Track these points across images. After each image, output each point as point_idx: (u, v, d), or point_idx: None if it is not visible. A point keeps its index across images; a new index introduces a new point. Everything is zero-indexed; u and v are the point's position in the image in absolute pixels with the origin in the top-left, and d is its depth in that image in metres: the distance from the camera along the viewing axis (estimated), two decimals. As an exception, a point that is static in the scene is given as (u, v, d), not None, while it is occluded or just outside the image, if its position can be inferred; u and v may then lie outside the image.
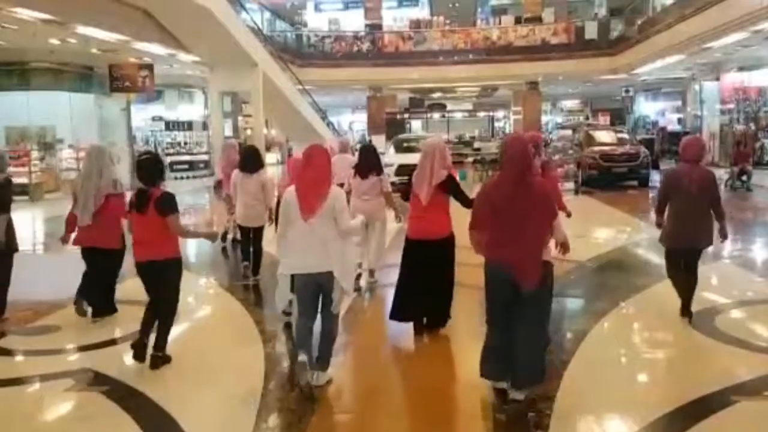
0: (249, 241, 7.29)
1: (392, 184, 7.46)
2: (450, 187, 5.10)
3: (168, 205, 4.54)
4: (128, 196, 5.56)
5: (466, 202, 5.00)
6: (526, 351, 3.85)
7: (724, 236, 5.37)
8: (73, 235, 5.63)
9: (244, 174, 7.13)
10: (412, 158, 15.32)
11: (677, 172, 5.43)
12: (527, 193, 3.82)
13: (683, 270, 5.42)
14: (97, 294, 5.71)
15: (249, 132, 25.71)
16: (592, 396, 4.08)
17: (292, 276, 4.37)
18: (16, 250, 5.93)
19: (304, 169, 4.25)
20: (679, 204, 5.27)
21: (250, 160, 7.22)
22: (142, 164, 4.74)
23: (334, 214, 4.10)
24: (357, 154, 7.04)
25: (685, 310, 5.38)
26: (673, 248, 5.43)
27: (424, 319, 5.30)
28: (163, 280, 4.63)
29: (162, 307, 4.70)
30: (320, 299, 4.22)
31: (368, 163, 6.70)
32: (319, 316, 4.28)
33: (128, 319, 5.75)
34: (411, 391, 4.37)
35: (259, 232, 7.26)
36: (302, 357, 4.10)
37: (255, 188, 7.06)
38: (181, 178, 22.51)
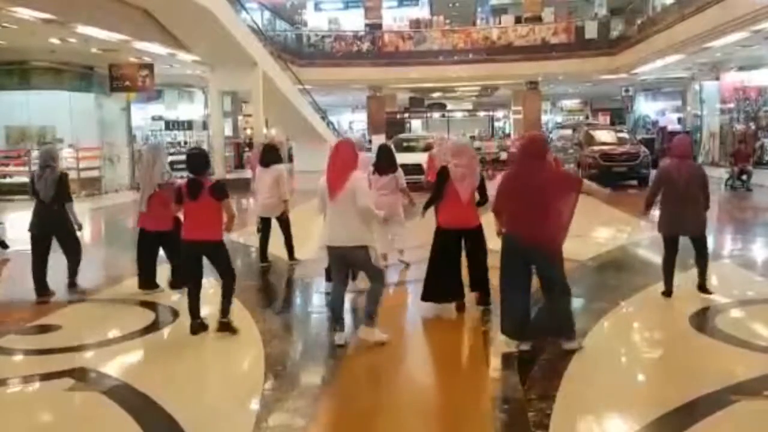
0: (268, 232, 7.94)
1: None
2: (481, 184, 5.74)
3: (223, 191, 5.28)
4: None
5: (484, 198, 5.75)
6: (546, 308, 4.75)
7: (706, 207, 6.03)
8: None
9: (261, 169, 7.88)
10: (412, 158, 15.42)
11: (669, 168, 6.06)
12: (543, 179, 4.61)
13: (694, 254, 6.11)
14: (150, 268, 6.60)
15: (249, 131, 25.70)
16: (592, 396, 4.08)
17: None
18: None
19: (332, 157, 4.92)
20: (671, 195, 5.89)
21: (266, 155, 7.95)
22: (193, 157, 5.47)
23: (354, 194, 4.70)
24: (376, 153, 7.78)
25: (701, 288, 6.07)
26: (668, 235, 6.03)
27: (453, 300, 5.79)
28: (217, 258, 5.31)
29: (224, 279, 5.34)
30: (349, 270, 5.09)
31: (387, 161, 7.39)
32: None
33: (128, 319, 5.77)
34: (412, 390, 4.37)
35: (281, 220, 7.87)
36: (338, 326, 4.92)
37: (270, 181, 7.71)
38: (182, 177, 22.49)
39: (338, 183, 4.76)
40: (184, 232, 5.28)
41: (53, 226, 6.53)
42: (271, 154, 7.96)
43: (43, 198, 6.42)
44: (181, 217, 5.46)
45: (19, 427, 3.80)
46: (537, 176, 4.62)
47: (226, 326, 5.18)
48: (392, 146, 8.46)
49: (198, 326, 5.22)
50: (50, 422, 3.95)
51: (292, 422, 3.77)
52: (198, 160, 5.43)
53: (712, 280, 7.06)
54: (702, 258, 6.06)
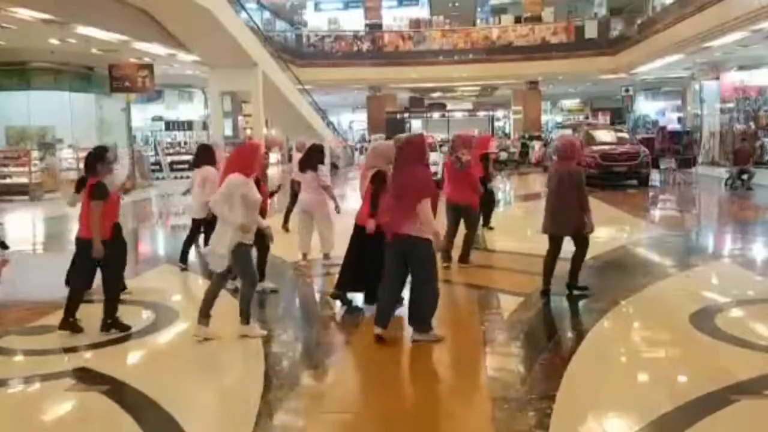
0: (195, 234, 7.84)
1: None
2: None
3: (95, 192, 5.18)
4: None
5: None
6: None
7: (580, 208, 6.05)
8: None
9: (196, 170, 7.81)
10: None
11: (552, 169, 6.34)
12: None
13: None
14: None
15: (249, 132, 25.73)
16: (592, 395, 4.08)
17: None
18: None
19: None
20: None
21: (198, 156, 7.86)
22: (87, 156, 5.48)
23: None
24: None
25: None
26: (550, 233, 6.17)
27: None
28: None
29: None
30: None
31: (308, 160, 7.73)
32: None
33: (128, 319, 5.75)
34: (411, 390, 4.37)
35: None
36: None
37: (199, 181, 7.56)
38: (181, 177, 22.53)
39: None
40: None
41: None
42: (202, 155, 7.82)
43: None
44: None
45: (19, 428, 3.80)
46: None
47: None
48: (322, 146, 8.43)
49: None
50: (50, 422, 3.95)
51: (292, 422, 3.77)
52: (89, 158, 5.52)
53: (713, 280, 7.07)
54: (576, 256, 6.16)
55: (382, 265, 5.25)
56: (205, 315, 5.06)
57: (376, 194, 5.60)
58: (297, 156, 10.41)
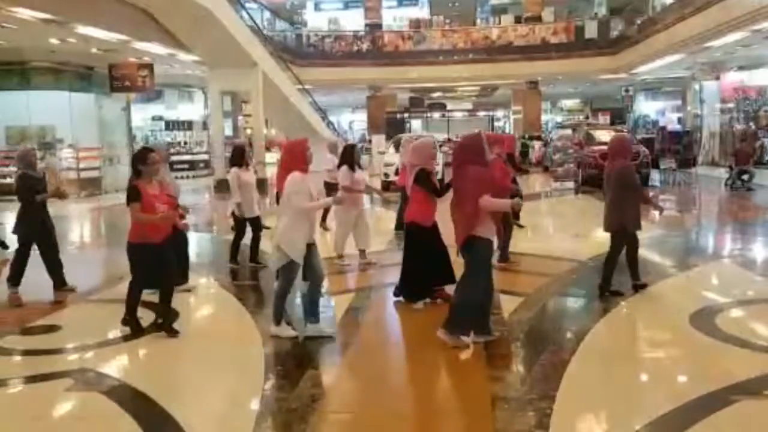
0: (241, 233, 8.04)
1: (393, 183, 7.96)
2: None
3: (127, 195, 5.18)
4: None
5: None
6: None
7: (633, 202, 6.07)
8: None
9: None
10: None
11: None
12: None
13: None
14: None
15: (249, 132, 25.73)
16: (592, 395, 4.08)
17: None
18: None
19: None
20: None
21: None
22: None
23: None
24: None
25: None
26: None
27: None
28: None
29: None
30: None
31: (342, 159, 7.86)
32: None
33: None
34: (411, 390, 4.37)
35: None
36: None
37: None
38: (182, 177, 22.52)
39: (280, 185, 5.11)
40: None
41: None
42: (232, 156, 8.06)
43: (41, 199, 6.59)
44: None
45: (19, 428, 3.80)
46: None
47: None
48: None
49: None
50: (50, 422, 3.95)
51: (292, 422, 3.76)
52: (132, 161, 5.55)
53: (713, 280, 7.08)
54: (626, 255, 6.21)
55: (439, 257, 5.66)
56: (279, 316, 5.11)
57: (427, 189, 5.79)
58: (326, 157, 10.16)
